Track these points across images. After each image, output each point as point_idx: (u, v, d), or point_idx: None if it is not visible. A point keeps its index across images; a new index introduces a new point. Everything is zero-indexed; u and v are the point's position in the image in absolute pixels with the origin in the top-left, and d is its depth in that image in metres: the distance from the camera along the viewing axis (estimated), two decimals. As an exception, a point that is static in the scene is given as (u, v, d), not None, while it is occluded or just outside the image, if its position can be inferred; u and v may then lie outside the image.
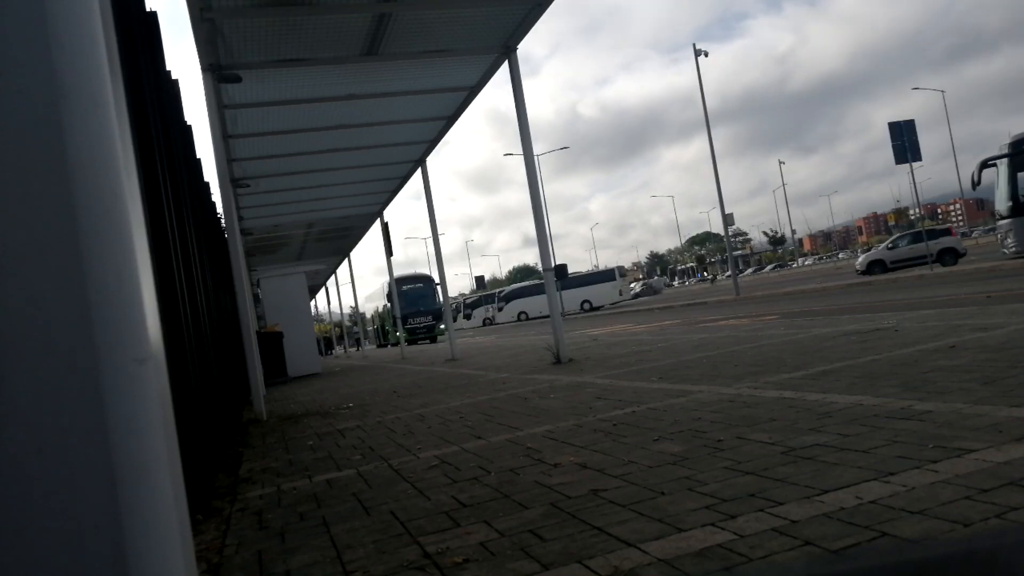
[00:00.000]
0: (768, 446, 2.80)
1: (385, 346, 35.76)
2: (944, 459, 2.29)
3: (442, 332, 32.29)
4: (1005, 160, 16.61)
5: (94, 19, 0.67)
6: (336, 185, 13.92)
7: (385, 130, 10.98)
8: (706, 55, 26.74)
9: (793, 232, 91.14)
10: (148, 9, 4.71)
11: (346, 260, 25.32)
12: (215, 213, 10.36)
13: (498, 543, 2.16)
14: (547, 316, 22.16)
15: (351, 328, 39.37)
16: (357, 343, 36.05)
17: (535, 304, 42.71)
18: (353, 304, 35.51)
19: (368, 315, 42.14)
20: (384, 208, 16.70)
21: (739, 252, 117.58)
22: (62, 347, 0.62)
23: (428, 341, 32.66)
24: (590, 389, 5.42)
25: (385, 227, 16.44)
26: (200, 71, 7.57)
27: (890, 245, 25.29)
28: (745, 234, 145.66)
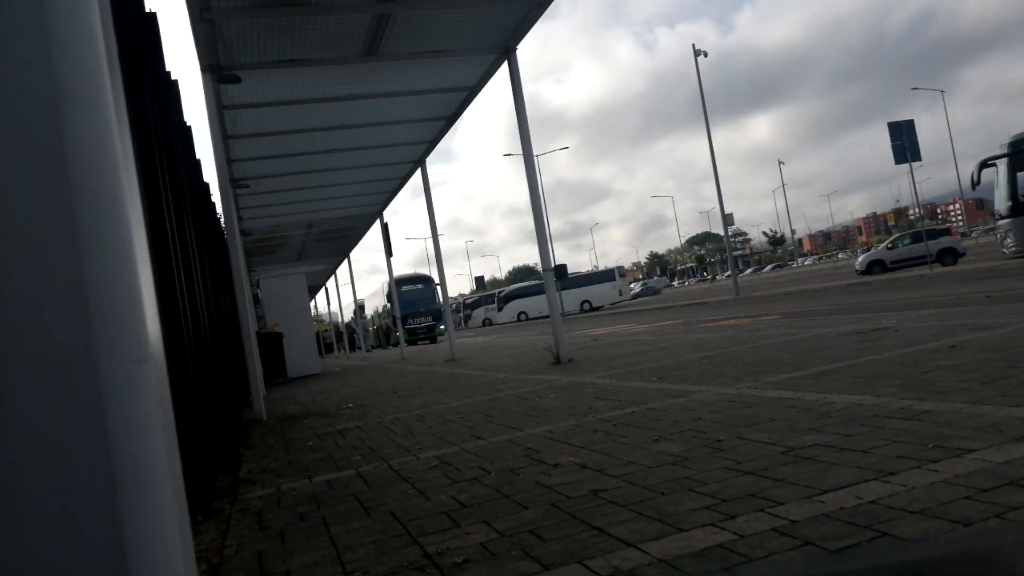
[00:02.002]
0: (768, 446, 2.80)
1: (384, 347, 35.66)
2: (944, 459, 2.28)
3: (442, 332, 32.27)
4: (1004, 160, 16.62)
5: (94, 19, 0.67)
6: (336, 185, 13.91)
7: (385, 130, 10.98)
8: (705, 55, 26.71)
9: (793, 232, 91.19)
10: (148, 10, 4.71)
11: (346, 260, 25.33)
12: (215, 213, 10.36)
13: (498, 543, 2.16)
14: (547, 316, 22.15)
15: (352, 330, 39.06)
16: (362, 344, 35.89)
17: (535, 304, 42.71)
18: (353, 304, 35.26)
19: (368, 315, 41.93)
20: (384, 208, 16.70)
21: (739, 252, 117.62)
22: (62, 348, 0.62)
23: (428, 342, 32.65)
24: (590, 389, 5.42)
25: (385, 227, 16.44)
26: (200, 71, 7.56)
27: (890, 245, 25.31)
28: (745, 234, 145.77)
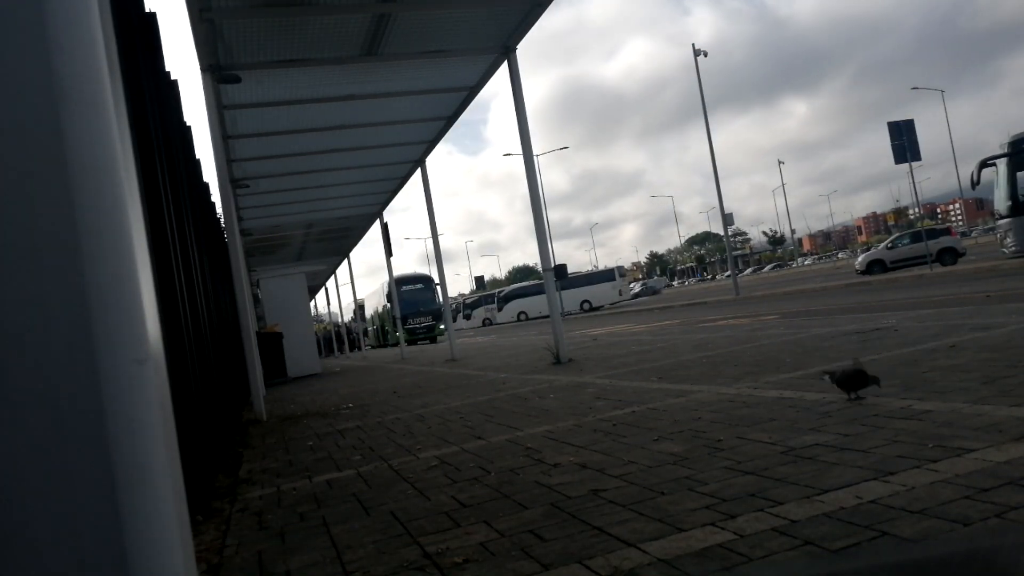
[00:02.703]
0: (768, 446, 2.80)
1: (385, 346, 35.73)
2: (944, 459, 2.29)
3: (442, 332, 32.27)
4: (1004, 160, 16.61)
5: (93, 20, 0.67)
6: (336, 185, 13.92)
7: (385, 130, 10.98)
8: (705, 55, 26.71)
9: (793, 232, 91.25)
10: (147, 10, 4.71)
11: (346, 260, 25.33)
12: (215, 213, 10.36)
13: (498, 543, 2.16)
14: (547, 316, 22.17)
15: (349, 328, 38.90)
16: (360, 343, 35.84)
17: (534, 304, 42.73)
18: (353, 304, 35.20)
19: (368, 315, 41.94)
20: (384, 208, 16.71)
21: (738, 252, 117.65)
22: (62, 348, 0.62)
23: (428, 341, 32.65)
24: (590, 389, 5.42)
25: (385, 227, 16.44)
26: (200, 71, 7.56)
27: (890, 245, 25.31)
28: (745, 234, 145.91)
